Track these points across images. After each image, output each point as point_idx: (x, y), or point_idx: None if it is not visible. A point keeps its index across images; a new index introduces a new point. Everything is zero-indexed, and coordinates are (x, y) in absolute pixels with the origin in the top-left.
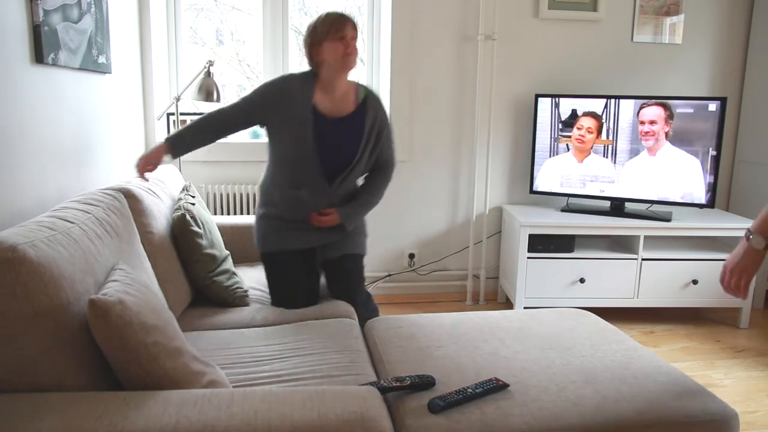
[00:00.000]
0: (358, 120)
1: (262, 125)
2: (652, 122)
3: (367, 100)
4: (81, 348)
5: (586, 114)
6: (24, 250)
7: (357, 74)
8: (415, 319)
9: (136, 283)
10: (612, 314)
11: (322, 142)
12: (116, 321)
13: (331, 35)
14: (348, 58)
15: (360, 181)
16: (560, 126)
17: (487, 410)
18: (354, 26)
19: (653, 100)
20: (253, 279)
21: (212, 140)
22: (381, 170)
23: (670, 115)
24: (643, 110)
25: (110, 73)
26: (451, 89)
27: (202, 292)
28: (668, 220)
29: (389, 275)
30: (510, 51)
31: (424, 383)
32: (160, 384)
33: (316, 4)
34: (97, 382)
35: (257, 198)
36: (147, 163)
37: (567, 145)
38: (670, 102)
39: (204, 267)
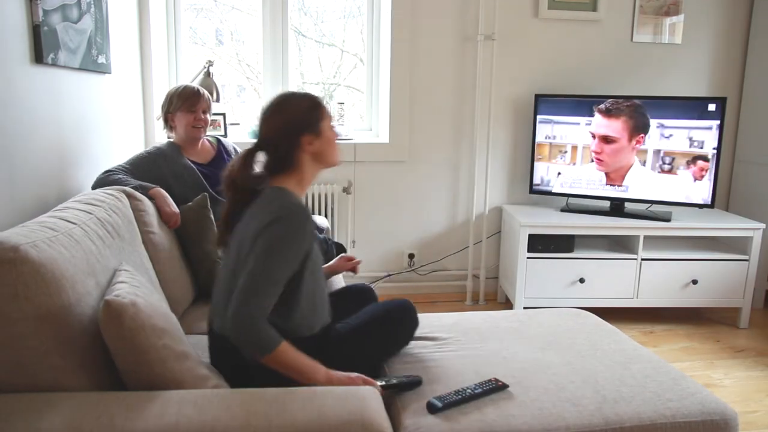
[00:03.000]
0: (224, 155)
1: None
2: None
3: (219, 141)
4: (82, 348)
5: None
6: (26, 250)
7: (358, 74)
8: None
9: (143, 285)
10: (612, 314)
11: (209, 180)
12: (129, 323)
13: (183, 108)
14: (195, 130)
15: None
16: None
17: (487, 410)
18: (207, 100)
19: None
20: None
21: None
22: None
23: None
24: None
25: (110, 73)
26: (450, 89)
27: (207, 283)
28: (668, 220)
29: (389, 275)
30: (510, 51)
31: (411, 383)
32: (168, 387)
33: (316, 4)
34: (97, 382)
35: None
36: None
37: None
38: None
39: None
